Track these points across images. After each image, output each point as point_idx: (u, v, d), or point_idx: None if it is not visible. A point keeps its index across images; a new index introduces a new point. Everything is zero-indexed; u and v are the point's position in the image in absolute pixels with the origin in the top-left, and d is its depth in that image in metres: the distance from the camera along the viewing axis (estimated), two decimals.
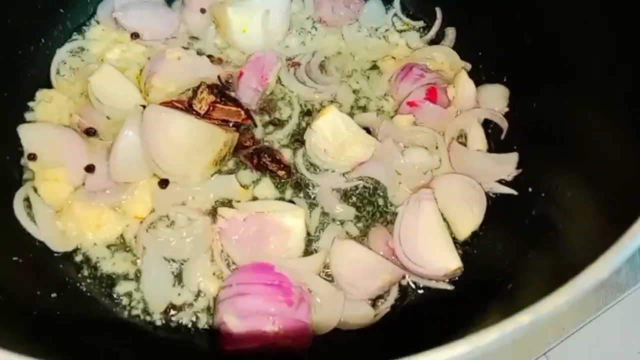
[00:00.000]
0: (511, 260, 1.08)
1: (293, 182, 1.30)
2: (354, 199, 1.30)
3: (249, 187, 1.29)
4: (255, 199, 1.28)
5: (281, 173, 1.29)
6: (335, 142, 1.29)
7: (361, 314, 1.14)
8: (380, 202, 1.29)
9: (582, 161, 1.06)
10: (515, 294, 0.94)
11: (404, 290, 1.20)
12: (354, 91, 1.44)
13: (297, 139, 1.36)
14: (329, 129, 1.29)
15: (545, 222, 1.06)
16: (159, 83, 1.32)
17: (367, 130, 1.33)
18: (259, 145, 1.33)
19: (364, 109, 1.42)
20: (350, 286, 1.15)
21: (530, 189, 1.19)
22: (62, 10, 1.42)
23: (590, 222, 0.91)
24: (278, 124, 1.38)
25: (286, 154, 1.34)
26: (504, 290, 0.96)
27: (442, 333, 1.05)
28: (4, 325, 0.93)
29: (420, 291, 1.19)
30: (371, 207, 1.29)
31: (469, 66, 1.44)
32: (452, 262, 1.14)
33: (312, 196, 1.30)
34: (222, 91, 1.33)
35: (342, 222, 1.27)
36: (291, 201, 1.28)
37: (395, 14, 1.56)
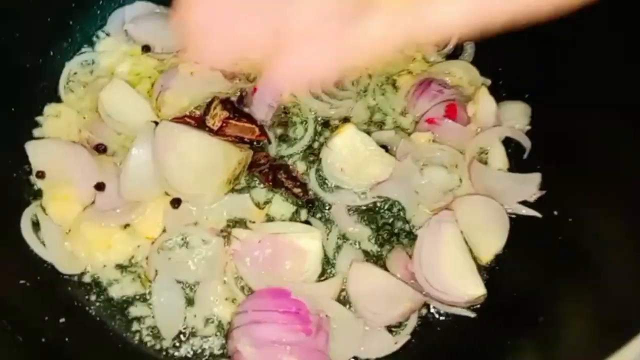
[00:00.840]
0: (540, 290, 1.04)
1: (307, 202, 1.26)
2: (370, 218, 1.26)
3: (263, 207, 1.25)
4: (269, 218, 1.24)
5: (297, 191, 1.26)
6: (353, 160, 1.25)
7: (380, 342, 1.10)
8: (399, 223, 1.25)
9: (613, 186, 1.02)
10: (551, 330, 0.89)
11: (423, 316, 1.16)
12: (370, 107, 1.39)
13: (312, 154, 1.32)
14: (346, 147, 1.25)
15: (574, 250, 1.02)
16: (172, 98, 1.28)
17: (385, 148, 1.29)
18: (274, 162, 1.29)
19: (380, 125, 1.37)
20: (369, 312, 1.11)
21: (555, 212, 1.15)
22: (71, 22, 1.39)
23: (629, 255, 0.87)
24: (292, 140, 1.33)
25: (300, 171, 1.30)
26: (536, 322, 0.92)
27: None
28: (13, 354, 0.89)
29: (441, 318, 1.15)
30: (389, 228, 1.25)
31: (488, 82, 1.40)
32: (476, 289, 1.10)
33: (328, 216, 1.25)
34: (235, 107, 1.29)
35: (359, 243, 1.23)
36: (307, 221, 1.24)
37: None
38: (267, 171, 1.26)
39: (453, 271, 1.12)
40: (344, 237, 1.23)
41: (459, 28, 0.64)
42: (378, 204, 1.27)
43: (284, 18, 0.66)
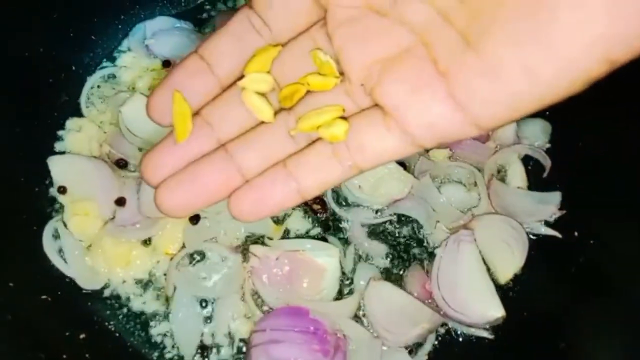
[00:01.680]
0: (560, 314, 1.02)
1: (325, 218, 1.26)
2: (387, 236, 1.25)
3: (280, 223, 1.25)
4: (286, 233, 1.24)
5: (316, 207, 1.26)
6: (371, 178, 1.25)
7: None
8: (416, 241, 1.25)
9: (636, 207, 1.01)
10: (571, 357, 0.88)
11: (441, 336, 1.15)
12: None
13: None
14: None
15: (597, 273, 1.01)
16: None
17: (403, 165, 1.29)
18: None
19: None
20: (387, 332, 1.11)
21: (576, 233, 1.14)
22: (93, 37, 1.40)
23: None
24: None
25: None
26: (557, 348, 0.91)
27: None
28: None
29: (459, 339, 1.14)
30: (406, 246, 1.24)
31: None
32: (495, 310, 1.09)
33: (345, 233, 1.25)
34: None
35: (376, 261, 1.23)
36: (323, 238, 1.24)
37: None
38: None
39: (471, 292, 1.12)
40: (360, 255, 1.23)
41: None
42: (395, 222, 1.27)
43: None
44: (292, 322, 1.06)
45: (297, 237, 1.24)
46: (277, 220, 1.25)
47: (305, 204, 1.25)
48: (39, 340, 0.97)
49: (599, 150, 1.16)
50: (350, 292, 1.18)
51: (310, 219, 1.25)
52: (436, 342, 1.14)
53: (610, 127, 1.13)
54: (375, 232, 1.25)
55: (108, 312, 1.15)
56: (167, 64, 1.40)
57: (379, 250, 1.24)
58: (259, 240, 1.22)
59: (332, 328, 1.07)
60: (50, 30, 1.29)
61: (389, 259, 1.23)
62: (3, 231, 1.10)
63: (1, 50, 1.17)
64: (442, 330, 1.15)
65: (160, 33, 1.42)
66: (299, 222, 1.26)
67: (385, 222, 1.26)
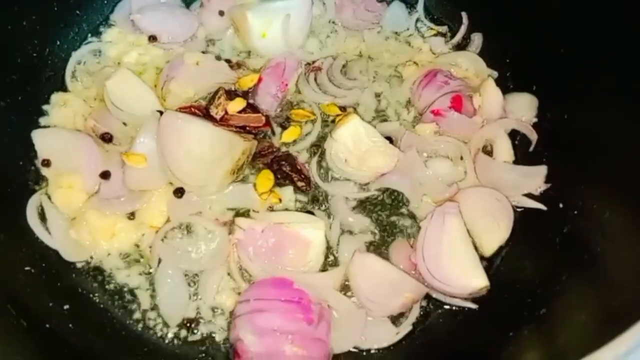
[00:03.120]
0: (542, 282, 1.03)
1: (309, 194, 1.26)
2: (372, 210, 1.25)
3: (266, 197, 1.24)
4: (272, 207, 1.24)
5: (301, 184, 1.26)
6: (357, 151, 1.25)
7: (382, 332, 1.10)
8: (401, 214, 1.25)
9: (619, 179, 1.01)
10: (551, 321, 0.89)
11: (425, 307, 1.15)
12: (377, 96, 1.39)
13: (314, 145, 1.31)
14: (350, 137, 1.24)
15: (579, 242, 1.01)
16: (177, 88, 1.29)
17: (389, 139, 1.29)
18: (279, 153, 1.29)
19: (385, 116, 1.37)
20: (371, 302, 1.11)
21: (560, 205, 1.14)
22: (78, 12, 1.39)
23: (634, 246, 0.86)
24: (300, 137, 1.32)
25: (301, 160, 1.29)
26: (536, 314, 0.91)
27: (468, 356, 1.02)
28: (18, 339, 0.90)
29: (443, 309, 1.15)
30: (391, 219, 1.24)
31: (495, 74, 1.39)
32: (478, 280, 1.10)
33: (330, 206, 1.25)
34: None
35: (360, 234, 1.22)
36: (309, 211, 1.24)
37: (419, 19, 1.51)
38: (272, 161, 1.26)
39: (455, 263, 1.12)
40: (343, 229, 1.23)
41: None
42: (380, 196, 1.27)
43: None
44: (277, 292, 1.06)
45: (283, 210, 1.24)
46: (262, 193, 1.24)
47: (290, 180, 1.25)
48: (23, 309, 0.97)
49: (584, 124, 1.16)
50: (336, 265, 1.18)
51: (295, 193, 1.25)
52: (420, 313, 1.14)
53: (595, 100, 1.13)
54: (360, 205, 1.25)
55: (92, 284, 1.15)
56: (153, 38, 1.39)
57: (362, 224, 1.23)
58: (244, 213, 1.22)
59: (317, 298, 1.07)
60: (35, 5, 1.28)
61: (374, 232, 1.23)
62: None
63: None
64: (425, 302, 1.15)
65: (146, 8, 1.41)
66: (284, 196, 1.25)
67: (370, 196, 1.26)
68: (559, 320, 0.88)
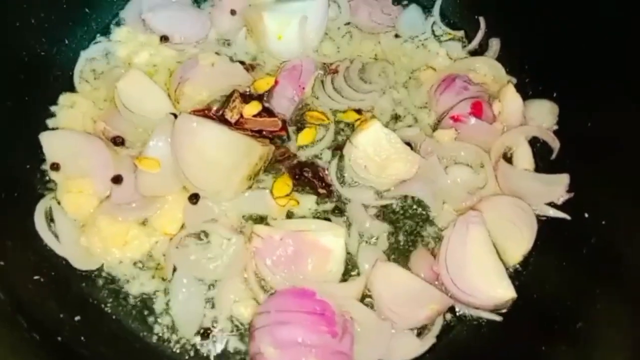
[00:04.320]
0: (573, 295, 1.00)
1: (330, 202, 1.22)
2: (392, 217, 1.22)
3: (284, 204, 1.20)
4: (290, 214, 1.20)
5: (322, 191, 1.22)
6: (377, 158, 1.21)
7: (406, 345, 1.07)
8: (422, 222, 1.22)
9: None
10: (587, 336, 0.86)
11: (447, 319, 1.12)
12: (393, 100, 1.36)
13: (331, 149, 1.28)
14: (370, 144, 1.21)
15: (610, 254, 0.99)
16: (191, 90, 1.24)
17: (409, 145, 1.26)
18: (301, 159, 1.25)
19: (401, 120, 1.34)
20: (393, 314, 1.08)
21: (586, 215, 1.11)
22: (87, 10, 1.35)
23: None
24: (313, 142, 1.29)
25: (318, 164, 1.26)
26: (570, 328, 0.88)
27: None
28: (32, 354, 0.86)
29: (467, 321, 1.12)
30: (411, 227, 1.21)
31: (514, 80, 1.37)
32: (505, 292, 1.07)
33: (348, 213, 1.22)
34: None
35: (380, 242, 1.19)
36: (327, 219, 1.21)
37: (435, 23, 1.49)
38: (294, 166, 1.23)
39: (481, 273, 1.09)
40: (362, 235, 1.19)
41: None
42: (399, 203, 1.24)
43: None
44: (299, 303, 1.03)
45: (301, 217, 1.20)
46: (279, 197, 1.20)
47: (312, 186, 1.22)
48: (34, 321, 0.92)
49: (608, 131, 1.14)
50: (356, 274, 1.15)
51: (314, 200, 1.21)
52: (443, 325, 1.11)
53: (619, 106, 1.11)
54: (379, 212, 1.22)
55: (104, 294, 1.10)
56: (164, 39, 1.34)
57: (380, 230, 1.20)
58: (262, 220, 1.18)
59: (339, 309, 1.04)
60: (43, 2, 1.23)
61: (393, 240, 1.20)
62: None
63: None
64: (449, 314, 1.12)
65: (157, 7, 1.37)
66: (302, 203, 1.22)
67: (389, 204, 1.23)
68: (596, 335, 0.85)
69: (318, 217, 1.20)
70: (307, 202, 1.21)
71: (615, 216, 1.04)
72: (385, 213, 1.23)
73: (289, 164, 1.22)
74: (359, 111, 1.32)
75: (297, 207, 1.21)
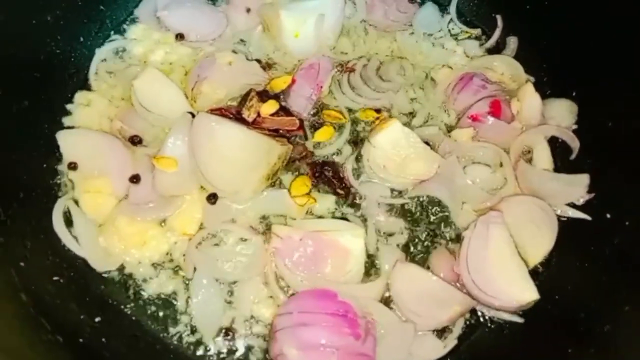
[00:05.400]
0: (598, 296, 0.99)
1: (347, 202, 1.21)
2: (411, 217, 1.21)
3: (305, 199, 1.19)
4: (308, 213, 1.19)
5: (340, 192, 1.21)
6: (397, 157, 1.20)
7: (428, 347, 1.06)
8: (441, 222, 1.21)
9: None
10: (619, 341, 0.85)
11: (468, 321, 1.11)
12: (410, 98, 1.35)
13: (352, 142, 1.27)
14: (389, 143, 1.20)
15: (635, 255, 0.98)
16: (208, 89, 1.23)
17: (427, 144, 1.25)
18: (320, 159, 1.25)
19: (418, 119, 1.33)
20: (415, 315, 1.07)
21: (608, 215, 1.10)
22: (102, 7, 1.34)
23: None
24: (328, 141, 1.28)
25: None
26: (599, 331, 0.88)
27: None
28: (55, 356, 0.85)
29: (488, 323, 1.11)
30: (430, 227, 1.21)
31: (532, 79, 1.36)
32: (528, 293, 1.06)
33: (365, 212, 1.21)
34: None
35: (399, 243, 1.18)
36: (345, 219, 1.20)
37: (451, 21, 1.47)
38: (314, 163, 1.22)
39: (503, 274, 1.08)
40: (381, 232, 1.19)
41: None
42: (418, 203, 1.23)
43: None
44: (321, 304, 1.02)
45: (320, 217, 1.19)
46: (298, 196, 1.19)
47: (330, 185, 1.21)
48: (56, 323, 0.91)
49: (629, 130, 1.13)
50: (376, 275, 1.14)
51: (333, 200, 1.20)
52: (465, 327, 1.10)
53: (639, 106, 1.10)
54: (397, 212, 1.21)
55: (123, 294, 1.09)
56: (180, 37, 1.33)
57: (396, 226, 1.19)
58: (282, 220, 1.17)
59: (361, 310, 1.03)
60: None
61: (413, 241, 1.19)
62: (11, 208, 1.04)
63: (7, 18, 1.10)
64: (469, 315, 1.11)
65: (173, 5, 1.35)
66: (321, 203, 1.20)
67: (406, 204, 1.22)
68: (627, 339, 0.85)
69: (336, 218, 1.19)
70: (326, 202, 1.20)
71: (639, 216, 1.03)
72: (403, 213, 1.21)
73: (308, 161, 1.21)
74: (379, 110, 1.31)
75: (316, 207, 1.20)
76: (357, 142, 1.27)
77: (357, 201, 1.22)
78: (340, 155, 1.26)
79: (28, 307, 0.90)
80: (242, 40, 1.38)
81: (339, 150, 1.26)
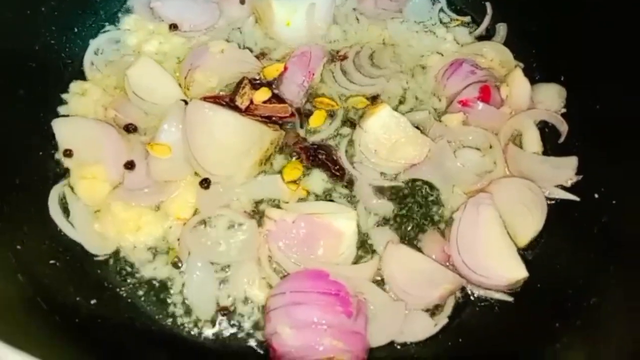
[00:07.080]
0: (585, 272, 1.01)
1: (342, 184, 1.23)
2: (402, 200, 1.23)
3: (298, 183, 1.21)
4: (301, 199, 1.21)
5: (336, 173, 1.23)
6: (387, 142, 1.22)
7: (419, 325, 1.08)
8: (432, 205, 1.23)
9: None
10: (604, 311, 0.87)
11: (459, 300, 1.13)
12: (401, 86, 1.36)
13: (340, 134, 1.28)
14: (380, 128, 1.22)
15: (622, 232, 1.00)
16: (202, 77, 1.25)
17: (417, 129, 1.26)
18: (310, 143, 1.26)
19: (409, 105, 1.34)
20: (406, 294, 1.09)
21: (596, 195, 1.12)
22: None
23: None
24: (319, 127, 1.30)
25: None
26: (585, 305, 0.89)
27: (509, 349, 1.00)
28: (51, 335, 0.86)
29: (478, 301, 1.12)
30: (421, 210, 1.22)
31: (521, 64, 1.37)
32: (517, 271, 1.08)
33: (357, 195, 1.22)
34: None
35: (391, 224, 1.20)
36: (337, 201, 1.21)
37: (442, 9, 1.49)
38: (307, 148, 1.24)
39: (492, 254, 1.10)
40: (376, 217, 1.20)
41: None
42: (410, 186, 1.24)
43: None
44: (313, 284, 1.03)
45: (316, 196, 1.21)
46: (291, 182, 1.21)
47: (325, 167, 1.22)
48: (53, 304, 0.93)
49: (616, 113, 1.15)
50: (368, 256, 1.15)
51: (325, 181, 1.22)
52: (455, 305, 1.11)
53: (627, 89, 1.12)
54: (388, 195, 1.23)
55: (119, 278, 1.11)
56: (174, 27, 1.35)
57: (388, 208, 1.21)
58: (273, 204, 1.19)
59: (353, 290, 1.05)
60: None
61: (404, 222, 1.20)
62: (9, 194, 1.06)
63: (1, 9, 1.12)
64: (460, 294, 1.13)
65: None
66: (315, 184, 1.22)
67: (398, 186, 1.24)
68: (612, 308, 0.86)
69: (330, 200, 1.21)
70: (320, 183, 1.22)
71: (626, 195, 1.05)
72: (395, 196, 1.23)
73: (301, 146, 1.23)
74: (375, 97, 1.33)
75: (310, 188, 1.21)
76: (349, 124, 1.29)
77: (349, 182, 1.23)
78: (334, 139, 1.27)
79: (26, 288, 0.91)
80: (235, 30, 1.40)
81: (332, 135, 1.28)
